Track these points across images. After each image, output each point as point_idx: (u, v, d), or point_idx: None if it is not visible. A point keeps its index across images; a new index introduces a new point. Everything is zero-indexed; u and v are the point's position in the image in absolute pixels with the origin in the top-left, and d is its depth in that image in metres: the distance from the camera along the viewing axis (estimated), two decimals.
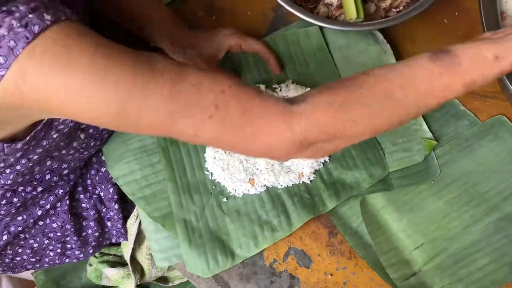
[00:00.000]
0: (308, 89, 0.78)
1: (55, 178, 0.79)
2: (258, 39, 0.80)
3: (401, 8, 0.80)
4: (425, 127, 0.78)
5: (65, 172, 0.79)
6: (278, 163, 0.75)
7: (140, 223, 0.86)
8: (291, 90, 0.78)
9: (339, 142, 0.54)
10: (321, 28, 0.83)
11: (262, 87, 0.79)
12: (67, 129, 0.64)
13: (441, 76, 0.52)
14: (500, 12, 0.72)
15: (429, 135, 0.77)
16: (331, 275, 0.74)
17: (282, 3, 0.75)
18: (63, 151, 0.71)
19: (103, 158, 0.84)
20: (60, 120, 0.62)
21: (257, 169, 0.75)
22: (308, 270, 0.74)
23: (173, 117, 0.50)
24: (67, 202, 0.82)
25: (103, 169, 0.85)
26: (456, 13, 0.86)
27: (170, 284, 1.06)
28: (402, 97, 0.52)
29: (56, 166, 0.75)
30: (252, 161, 0.75)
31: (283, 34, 0.83)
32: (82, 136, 0.72)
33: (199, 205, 0.75)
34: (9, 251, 0.82)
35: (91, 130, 0.73)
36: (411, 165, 0.76)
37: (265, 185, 0.75)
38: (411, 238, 0.74)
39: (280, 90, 0.79)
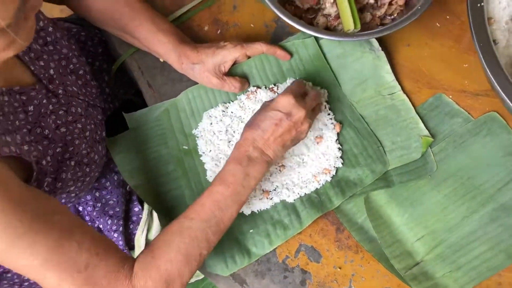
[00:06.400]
0: (310, 83, 0.84)
1: None
2: (259, 41, 0.84)
3: (395, 15, 0.85)
4: (421, 125, 0.83)
5: None
6: (293, 182, 0.81)
7: (147, 234, 0.92)
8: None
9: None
10: (316, 38, 0.87)
11: (263, 88, 0.85)
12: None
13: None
14: (487, 18, 0.76)
15: (426, 132, 0.82)
16: (339, 268, 0.79)
17: (281, 16, 0.79)
18: None
19: (97, 194, 0.91)
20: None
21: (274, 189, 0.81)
22: (318, 264, 0.79)
23: (46, 265, 0.57)
24: None
25: (98, 205, 0.91)
26: (448, 17, 0.90)
27: None
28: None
29: None
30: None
31: (283, 45, 0.87)
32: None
33: None
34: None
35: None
36: (410, 162, 0.82)
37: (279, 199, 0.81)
38: (412, 230, 0.79)
39: (278, 88, 0.85)
